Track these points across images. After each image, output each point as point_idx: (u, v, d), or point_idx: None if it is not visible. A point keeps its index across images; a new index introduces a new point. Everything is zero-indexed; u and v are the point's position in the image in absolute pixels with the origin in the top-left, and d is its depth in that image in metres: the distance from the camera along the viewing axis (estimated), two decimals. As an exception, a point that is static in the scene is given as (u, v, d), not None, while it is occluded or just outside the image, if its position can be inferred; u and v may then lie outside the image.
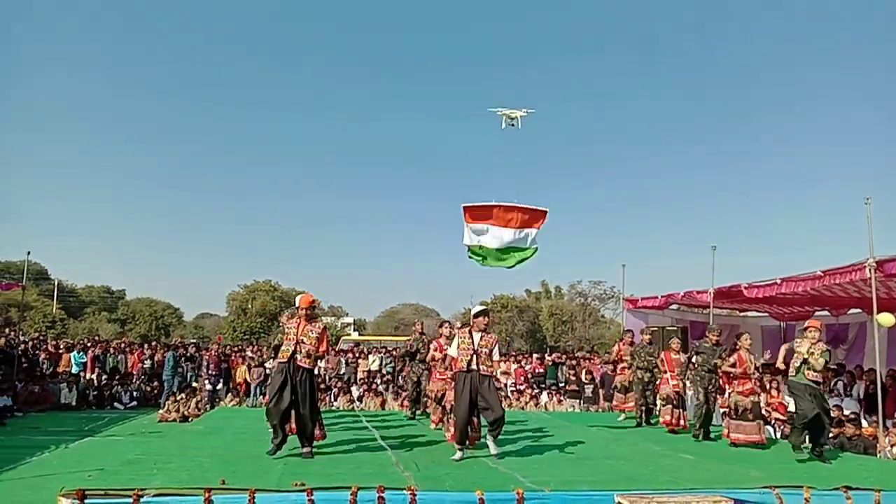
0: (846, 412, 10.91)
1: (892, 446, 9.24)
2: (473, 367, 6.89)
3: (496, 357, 7.11)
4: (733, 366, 8.71)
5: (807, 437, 7.89)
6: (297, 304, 6.95)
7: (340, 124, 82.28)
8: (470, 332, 7.05)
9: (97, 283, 55.23)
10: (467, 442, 7.10)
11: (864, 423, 10.34)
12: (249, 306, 46.82)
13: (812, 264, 10.53)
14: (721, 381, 9.13)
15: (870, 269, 9.38)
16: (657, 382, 10.37)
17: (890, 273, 9.39)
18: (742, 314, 17.83)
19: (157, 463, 5.99)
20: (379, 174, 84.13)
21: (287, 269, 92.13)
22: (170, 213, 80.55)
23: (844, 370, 13.30)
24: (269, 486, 5.02)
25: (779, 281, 11.64)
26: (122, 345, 20.45)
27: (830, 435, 9.81)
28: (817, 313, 15.35)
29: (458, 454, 6.85)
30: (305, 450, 6.70)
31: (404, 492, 4.98)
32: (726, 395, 9.21)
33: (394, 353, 20.21)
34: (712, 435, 9.37)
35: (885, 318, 9.21)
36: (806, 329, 7.90)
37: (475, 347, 6.94)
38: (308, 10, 76.92)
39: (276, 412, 6.61)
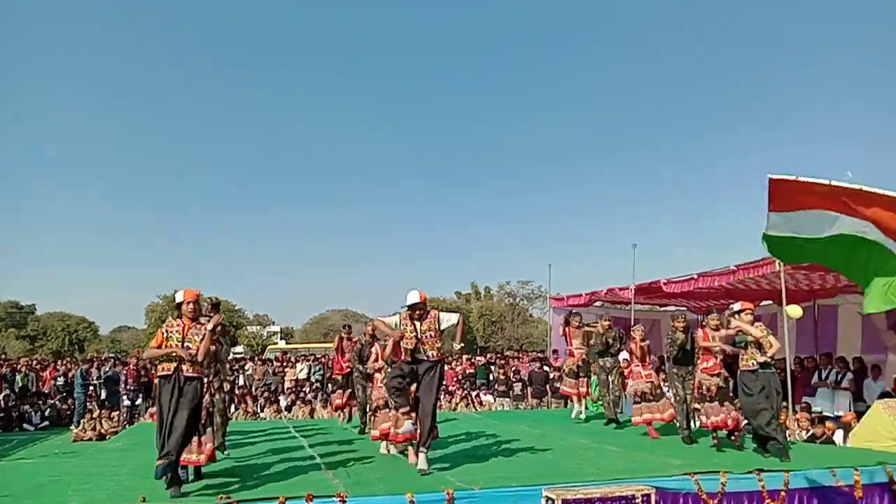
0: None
1: (800, 430, 9.79)
2: (421, 356, 6.37)
3: (452, 319, 6.63)
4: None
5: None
6: (179, 300, 5.81)
7: (264, 131, 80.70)
8: (410, 320, 6.42)
9: (3, 299, 52.07)
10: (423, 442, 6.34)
11: (776, 409, 10.93)
12: (170, 318, 45.09)
13: (728, 260, 11.06)
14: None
15: (778, 263, 9.92)
16: (624, 374, 9.85)
17: (796, 266, 9.97)
18: (662, 309, 18.52)
19: (73, 484, 5.71)
20: (304, 182, 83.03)
21: (211, 278, 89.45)
22: (84, 221, 76.87)
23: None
24: (192, 502, 4.87)
25: (695, 276, 12.18)
26: (32, 362, 19.36)
27: (744, 422, 10.31)
28: (731, 306, 16.14)
29: (422, 457, 6.23)
30: (159, 461, 5.30)
31: (334, 498, 4.93)
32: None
33: (322, 360, 19.91)
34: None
35: (793, 310, 9.71)
36: (742, 311, 7.57)
37: (418, 335, 6.38)
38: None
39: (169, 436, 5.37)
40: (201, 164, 79.27)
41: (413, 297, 6.44)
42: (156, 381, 5.75)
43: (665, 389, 9.69)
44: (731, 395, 7.98)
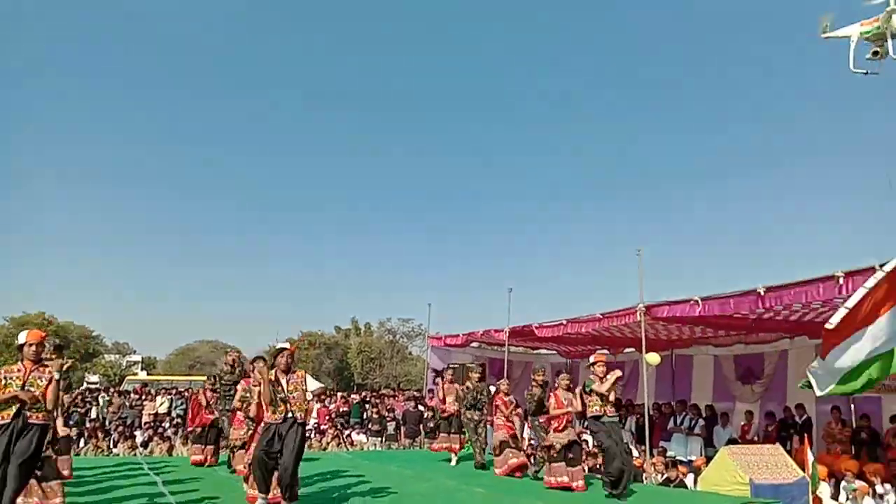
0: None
1: (656, 473, 10.30)
2: (288, 416, 6.11)
3: (309, 396, 6.44)
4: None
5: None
6: (22, 341, 5.53)
7: (140, 144, 76.66)
8: (276, 376, 6.21)
9: None
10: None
11: (636, 453, 11.46)
12: (17, 341, 41.12)
13: (595, 306, 11.60)
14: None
15: (640, 313, 10.56)
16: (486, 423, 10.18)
17: (656, 316, 10.63)
18: (535, 352, 19.07)
19: None
20: (177, 206, 79.34)
21: (66, 300, 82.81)
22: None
23: (621, 404, 14.68)
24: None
25: (565, 322, 12.64)
26: None
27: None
28: (598, 351, 16.84)
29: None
30: None
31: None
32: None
33: (185, 394, 18.82)
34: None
35: (652, 358, 10.32)
36: (595, 364, 7.95)
37: (285, 394, 6.14)
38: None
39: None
40: (65, 172, 74.02)
41: (279, 347, 6.49)
42: None
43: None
44: (582, 455, 8.41)
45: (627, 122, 74.69)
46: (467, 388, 10.23)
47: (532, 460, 9.80)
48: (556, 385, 8.73)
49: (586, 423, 8.19)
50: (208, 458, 9.70)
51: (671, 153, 72.62)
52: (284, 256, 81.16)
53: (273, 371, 6.24)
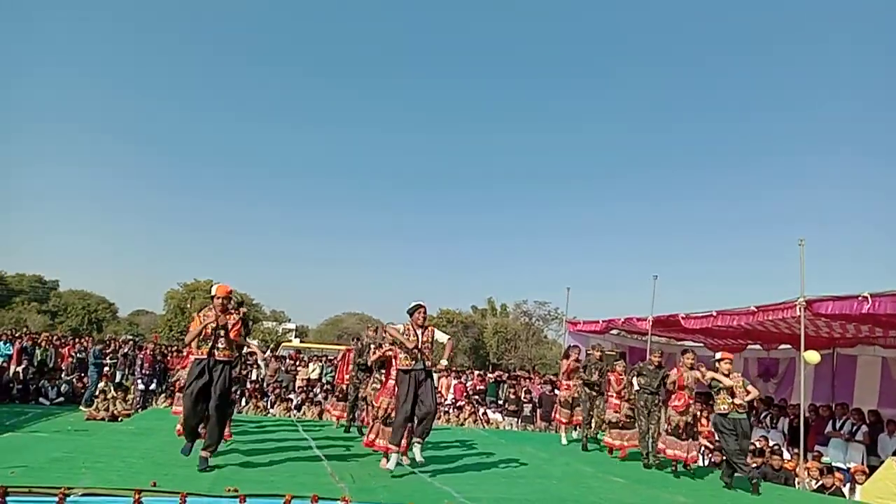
0: (771, 443, 11.38)
1: (810, 478, 9.67)
2: (418, 365, 6.79)
3: (442, 339, 7.15)
4: (673, 382, 8.83)
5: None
6: (213, 294, 6.51)
7: (297, 135, 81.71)
8: (413, 329, 6.90)
9: (28, 272, 52.97)
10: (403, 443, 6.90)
11: (787, 456, 10.80)
12: (188, 305, 45.61)
13: (746, 299, 10.98)
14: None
15: (800, 308, 9.84)
16: (605, 402, 10.47)
17: (818, 312, 9.87)
18: (679, 343, 18.35)
19: (86, 462, 5.84)
20: (330, 183, 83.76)
21: (229, 270, 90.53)
22: (111, 204, 78.37)
23: (773, 403, 13.84)
24: (200, 490, 4.97)
25: (715, 314, 12.06)
26: (53, 338, 19.70)
27: (755, 465, 10.23)
28: (749, 347, 15.96)
29: (394, 458, 6.74)
30: (205, 454, 6.15)
31: (339, 502, 5.00)
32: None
33: (334, 362, 19.99)
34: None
35: (811, 356, 9.64)
36: (721, 360, 8.23)
37: (419, 344, 6.81)
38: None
39: (194, 410, 6.18)
40: (231, 155, 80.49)
41: (414, 304, 7.07)
42: (189, 362, 6.55)
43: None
44: (695, 430, 8.84)
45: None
46: (591, 363, 10.89)
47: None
48: (681, 363, 9.03)
49: (712, 417, 8.42)
50: (341, 411, 10.76)
51: (844, 127, 66.35)
52: (424, 234, 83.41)
53: (410, 324, 6.95)
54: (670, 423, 8.78)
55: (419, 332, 6.89)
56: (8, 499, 4.33)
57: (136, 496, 4.57)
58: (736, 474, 8.08)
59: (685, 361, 8.93)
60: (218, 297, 6.42)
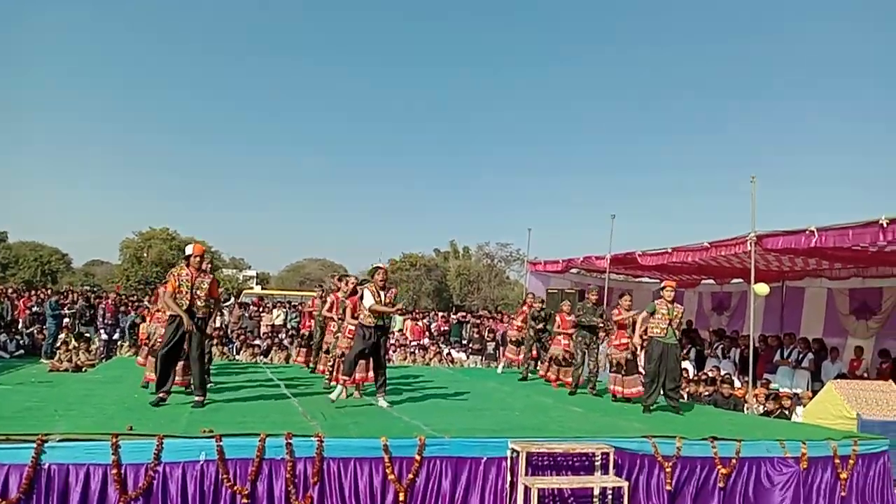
0: (723, 373, 11.97)
1: (757, 404, 10.25)
2: (379, 322, 7.28)
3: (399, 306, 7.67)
4: (614, 322, 9.43)
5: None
6: (189, 253, 6.82)
7: (261, 67, 79.20)
8: (377, 290, 7.32)
9: (-29, 224, 51.00)
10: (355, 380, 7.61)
11: (738, 384, 11.40)
12: (145, 255, 44.69)
13: (701, 235, 11.31)
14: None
15: (751, 243, 10.23)
16: (550, 339, 11.01)
17: (767, 247, 10.28)
18: (636, 279, 18.90)
19: (58, 409, 5.89)
20: (287, 126, 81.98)
21: (186, 217, 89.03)
22: (59, 150, 75.44)
23: (724, 335, 14.49)
24: (176, 432, 5.08)
25: (670, 250, 12.43)
26: (8, 290, 19.30)
27: (706, 394, 10.80)
28: (703, 281, 16.55)
29: (338, 389, 7.31)
30: (199, 398, 6.69)
31: (312, 438, 5.17)
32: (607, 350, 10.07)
33: (298, 307, 20.06)
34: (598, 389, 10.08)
35: (761, 289, 10.06)
36: (664, 288, 8.60)
37: (383, 302, 7.26)
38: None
39: (169, 360, 6.66)
40: (189, 90, 77.95)
41: (375, 266, 7.64)
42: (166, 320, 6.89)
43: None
44: (635, 366, 9.27)
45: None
46: (535, 310, 11.64)
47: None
48: (618, 305, 9.53)
49: (644, 342, 8.87)
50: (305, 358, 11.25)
51: (790, 62, 67.23)
52: (386, 178, 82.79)
53: (374, 286, 7.35)
54: (612, 360, 9.40)
55: (382, 294, 7.30)
56: (-15, 447, 4.39)
57: (114, 440, 4.66)
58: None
59: (622, 303, 9.44)
60: (195, 257, 6.71)
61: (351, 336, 7.98)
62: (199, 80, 78.87)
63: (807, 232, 9.37)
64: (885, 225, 8.15)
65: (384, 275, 7.50)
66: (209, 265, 7.21)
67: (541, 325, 11.39)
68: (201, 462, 4.85)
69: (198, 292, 6.67)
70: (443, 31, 79.05)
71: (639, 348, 9.21)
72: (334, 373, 8.30)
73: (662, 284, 8.89)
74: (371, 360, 7.53)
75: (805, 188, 66.90)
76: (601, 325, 10.17)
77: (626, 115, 76.92)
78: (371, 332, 7.27)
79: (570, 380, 10.20)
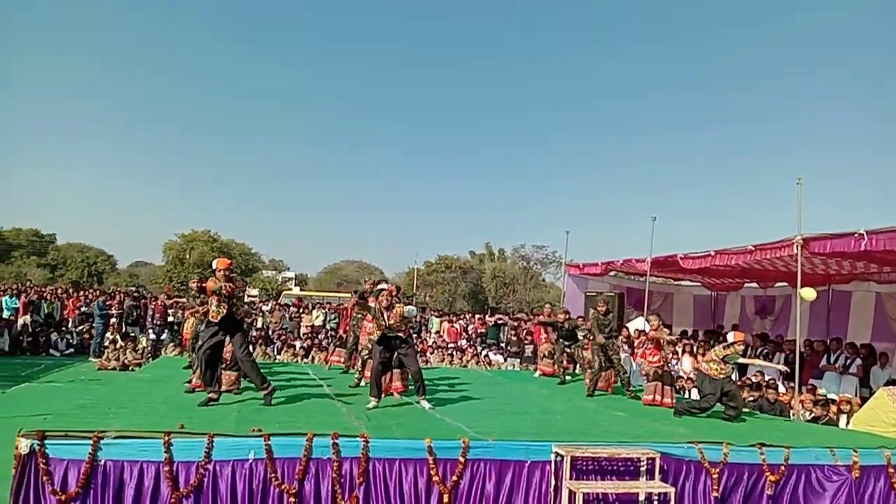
0: (767, 378, 11.74)
1: (804, 410, 10.02)
2: (390, 334, 7.41)
3: (413, 313, 7.71)
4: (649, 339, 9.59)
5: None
6: (214, 267, 7.03)
7: (301, 73, 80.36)
8: (381, 311, 7.46)
9: (25, 226, 52.73)
10: (382, 394, 7.59)
11: (782, 389, 11.16)
12: (187, 256, 45.69)
13: (743, 235, 11.12)
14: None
15: (797, 246, 10.00)
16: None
17: (814, 251, 10.06)
18: (676, 283, 18.64)
19: (112, 408, 6.06)
20: (326, 127, 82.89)
21: (227, 219, 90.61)
22: (106, 155, 77.56)
23: (769, 339, 14.19)
24: (226, 431, 5.19)
25: (713, 253, 12.23)
26: (58, 290, 19.93)
27: (751, 399, 10.61)
28: (746, 285, 16.24)
29: (373, 403, 7.20)
30: (266, 396, 6.92)
31: (358, 439, 5.24)
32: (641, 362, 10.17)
33: (338, 309, 20.31)
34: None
35: (808, 293, 9.83)
36: (734, 344, 8.16)
37: (385, 323, 7.39)
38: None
39: (212, 361, 6.85)
40: (227, 97, 79.42)
41: (378, 288, 7.92)
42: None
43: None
44: (670, 376, 9.49)
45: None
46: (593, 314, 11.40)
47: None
48: (651, 325, 9.82)
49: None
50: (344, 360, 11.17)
51: (835, 71, 65.54)
52: (423, 179, 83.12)
53: (377, 306, 7.55)
54: (648, 373, 9.47)
55: (385, 314, 7.43)
56: (46, 442, 4.54)
57: (167, 438, 4.79)
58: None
59: (652, 323, 9.74)
60: (219, 270, 6.90)
61: (371, 334, 8.48)
62: (242, 79, 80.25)
63: (856, 235, 9.15)
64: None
65: (387, 296, 7.57)
66: (237, 274, 7.49)
67: (566, 343, 11.30)
68: (250, 461, 4.95)
69: (229, 301, 6.84)
70: (478, 21, 79.05)
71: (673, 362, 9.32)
72: (363, 371, 8.81)
73: (732, 340, 8.27)
74: (397, 370, 7.83)
75: (848, 189, 64.99)
76: (612, 335, 10.21)
77: (668, 111, 75.80)
78: (381, 348, 7.43)
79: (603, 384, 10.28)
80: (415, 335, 7.99)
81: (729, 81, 72.03)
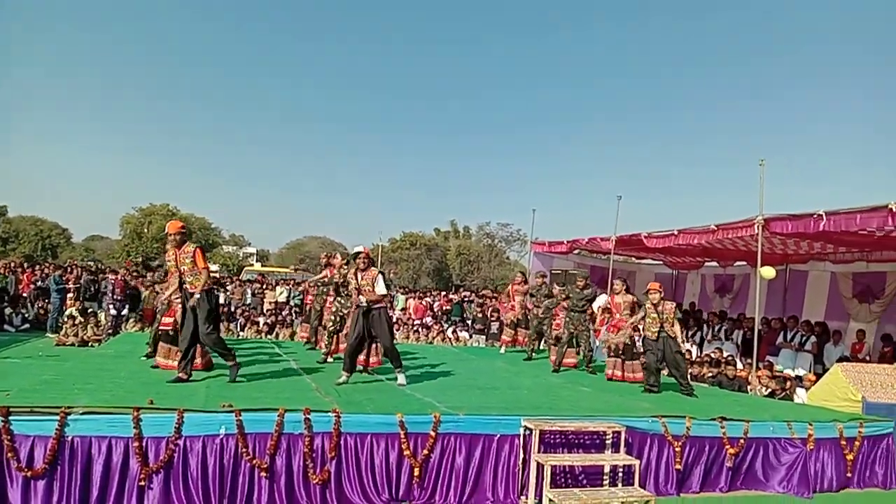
0: (725, 355, 12.08)
1: (761, 386, 10.34)
2: (362, 301, 7.22)
3: (380, 290, 7.26)
4: (607, 309, 9.75)
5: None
6: (166, 231, 6.76)
7: (267, 46, 78.57)
8: (356, 272, 7.39)
9: (-29, 199, 50.70)
10: (357, 368, 7.65)
11: (740, 365, 11.50)
12: (145, 230, 44.67)
13: (703, 215, 11.34)
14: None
15: (758, 226, 10.25)
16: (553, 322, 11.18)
17: (775, 231, 10.31)
18: (638, 262, 18.96)
19: (77, 383, 5.94)
20: (289, 102, 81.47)
21: (186, 194, 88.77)
22: (60, 124, 75.00)
23: (727, 317, 14.58)
24: (195, 406, 5.13)
25: (676, 232, 12.43)
26: (12, 264, 19.31)
27: (710, 375, 10.91)
28: (706, 264, 16.60)
29: (343, 377, 7.11)
30: (233, 367, 6.77)
31: (329, 414, 5.24)
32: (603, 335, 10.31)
33: (301, 285, 20.10)
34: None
35: (767, 272, 10.09)
36: (648, 292, 8.66)
37: (357, 284, 7.30)
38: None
39: (183, 338, 6.66)
40: (188, 71, 77.33)
41: (355, 251, 7.64)
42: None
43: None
44: (634, 351, 9.46)
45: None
46: (536, 288, 11.67)
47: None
48: (613, 290, 9.93)
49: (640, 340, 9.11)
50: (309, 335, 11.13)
51: (799, 51, 66.78)
52: (387, 156, 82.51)
53: (355, 269, 7.44)
54: (609, 346, 9.57)
55: (359, 275, 7.34)
56: (10, 418, 4.43)
57: (136, 414, 4.72)
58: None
59: (616, 287, 9.73)
60: (168, 234, 6.69)
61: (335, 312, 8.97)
62: (201, 45, 78.17)
63: (815, 216, 9.38)
64: (893, 210, 8.19)
65: (364, 259, 7.40)
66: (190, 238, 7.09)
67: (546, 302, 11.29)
68: (221, 436, 4.92)
69: (183, 268, 6.60)
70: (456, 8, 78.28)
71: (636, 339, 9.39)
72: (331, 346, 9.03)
73: (647, 288, 8.81)
74: (374, 345, 7.89)
75: (810, 170, 66.60)
76: (590, 309, 10.40)
77: (636, 92, 76.42)
78: (360, 323, 7.29)
79: (573, 361, 10.45)
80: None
81: (695, 63, 72.85)
